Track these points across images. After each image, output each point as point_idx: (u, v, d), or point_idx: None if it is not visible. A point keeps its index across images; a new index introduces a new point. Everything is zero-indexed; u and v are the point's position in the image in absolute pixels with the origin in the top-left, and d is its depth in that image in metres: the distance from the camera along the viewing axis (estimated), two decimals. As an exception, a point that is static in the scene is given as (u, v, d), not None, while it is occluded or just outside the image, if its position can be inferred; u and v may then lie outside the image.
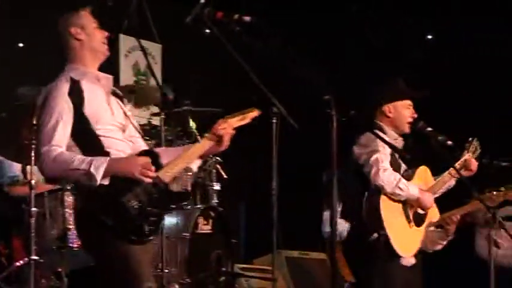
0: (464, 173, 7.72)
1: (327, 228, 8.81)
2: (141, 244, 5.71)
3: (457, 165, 7.70)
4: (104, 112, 5.85)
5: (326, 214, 9.02)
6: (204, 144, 6.13)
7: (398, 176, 7.40)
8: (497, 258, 8.66)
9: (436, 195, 7.81)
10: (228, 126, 6.15)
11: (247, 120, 6.26)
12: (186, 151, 6.09)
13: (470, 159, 7.82)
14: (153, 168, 5.72)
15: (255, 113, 6.32)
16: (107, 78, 5.96)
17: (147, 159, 5.73)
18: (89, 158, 5.59)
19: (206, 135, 6.11)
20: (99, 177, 5.56)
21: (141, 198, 5.66)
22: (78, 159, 5.60)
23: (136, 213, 5.65)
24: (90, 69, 5.92)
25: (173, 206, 6.02)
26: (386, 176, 7.36)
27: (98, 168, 5.58)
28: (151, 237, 5.78)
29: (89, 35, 5.95)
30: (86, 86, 5.78)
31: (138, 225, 5.69)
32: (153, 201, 5.69)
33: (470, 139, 7.92)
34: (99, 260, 5.80)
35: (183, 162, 6.01)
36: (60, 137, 5.64)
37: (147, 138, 7.81)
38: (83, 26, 5.93)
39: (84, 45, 5.93)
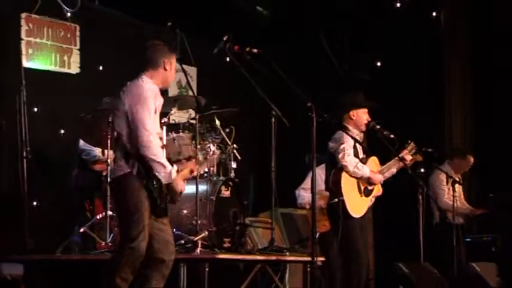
0: (401, 163, 7.82)
1: (299, 200, 8.96)
2: (158, 216, 5.91)
3: (398, 156, 7.78)
4: (158, 120, 5.92)
5: (297, 193, 9.12)
6: (188, 173, 6.36)
7: (357, 160, 7.52)
8: None
9: (384, 179, 7.89)
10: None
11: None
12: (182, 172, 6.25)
13: (406, 154, 7.88)
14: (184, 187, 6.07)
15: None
16: (161, 97, 6.03)
17: (183, 185, 6.05)
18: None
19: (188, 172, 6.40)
20: (171, 179, 5.78)
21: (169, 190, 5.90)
22: (162, 156, 5.82)
23: (166, 196, 5.90)
24: (158, 87, 6.00)
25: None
26: (349, 159, 7.49)
27: (174, 174, 5.84)
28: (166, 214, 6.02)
29: (171, 70, 6.07)
30: (157, 103, 5.87)
31: (165, 206, 5.91)
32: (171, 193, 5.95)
33: (409, 141, 7.98)
34: (123, 203, 5.89)
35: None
36: (154, 127, 5.83)
37: (187, 131, 7.81)
38: (171, 63, 6.04)
39: (164, 74, 6.03)
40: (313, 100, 5.98)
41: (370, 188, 7.76)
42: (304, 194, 9.09)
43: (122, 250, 5.79)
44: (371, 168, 7.78)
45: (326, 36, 11.56)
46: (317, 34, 11.49)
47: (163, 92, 9.39)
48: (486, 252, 8.73)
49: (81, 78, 9.31)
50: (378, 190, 7.86)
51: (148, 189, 5.73)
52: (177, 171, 5.99)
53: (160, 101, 6.01)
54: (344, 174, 7.57)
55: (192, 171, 6.48)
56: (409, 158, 7.91)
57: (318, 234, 7.05)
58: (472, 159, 10.24)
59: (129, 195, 5.77)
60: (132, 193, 5.76)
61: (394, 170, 7.97)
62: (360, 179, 7.66)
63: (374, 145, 8.06)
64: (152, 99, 5.82)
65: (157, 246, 5.87)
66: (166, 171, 5.74)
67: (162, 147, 6.03)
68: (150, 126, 5.73)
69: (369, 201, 7.78)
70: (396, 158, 7.82)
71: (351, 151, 7.58)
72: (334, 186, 7.57)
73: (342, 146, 7.54)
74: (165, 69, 6.01)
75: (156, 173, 5.73)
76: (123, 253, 5.74)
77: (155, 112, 5.84)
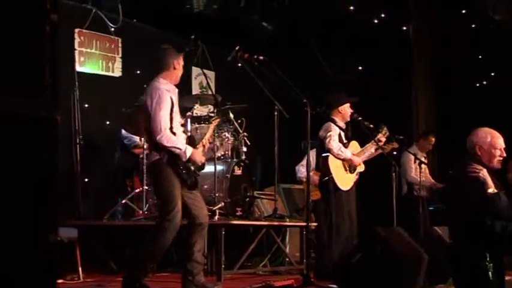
0: (377, 144, 7.79)
1: (299, 174, 8.92)
2: (190, 189, 5.81)
3: (374, 140, 7.74)
4: (177, 114, 5.86)
5: (297, 168, 9.11)
6: (204, 143, 6.30)
7: (340, 144, 7.48)
8: None
9: (364, 158, 7.84)
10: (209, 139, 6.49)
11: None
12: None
13: (381, 137, 7.82)
14: (203, 158, 5.92)
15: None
16: (176, 91, 5.93)
17: (201, 155, 5.93)
18: (185, 144, 5.73)
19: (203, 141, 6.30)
20: (187, 155, 5.67)
21: (194, 167, 5.79)
22: (180, 141, 5.70)
23: (194, 172, 5.80)
24: (172, 85, 5.89)
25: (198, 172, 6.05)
26: (334, 144, 7.44)
27: (188, 152, 5.70)
28: (197, 186, 5.93)
29: (179, 69, 5.92)
30: (173, 98, 5.77)
31: (195, 180, 5.81)
32: (195, 169, 5.85)
33: (382, 125, 7.91)
34: (159, 184, 5.83)
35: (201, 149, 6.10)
36: (168, 121, 5.65)
37: (207, 122, 7.77)
38: (179, 62, 5.89)
39: (174, 72, 5.87)
40: (308, 97, 5.94)
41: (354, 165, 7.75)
42: (302, 169, 9.09)
43: (161, 223, 5.73)
44: (352, 149, 7.75)
45: (319, 46, 11.57)
46: (311, 44, 11.50)
47: (188, 92, 9.50)
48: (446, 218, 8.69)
49: (123, 80, 9.31)
50: (361, 167, 7.83)
51: (177, 172, 5.69)
52: (196, 148, 5.95)
53: (176, 94, 5.92)
54: (331, 157, 7.53)
55: (205, 143, 6.44)
56: (383, 139, 7.86)
57: (311, 201, 7.08)
58: (433, 139, 10.20)
59: (162, 178, 5.73)
60: (164, 176, 5.71)
61: (372, 151, 7.92)
62: (343, 160, 7.62)
63: (356, 132, 8.01)
64: (168, 99, 5.73)
65: (194, 213, 5.82)
66: (182, 151, 5.66)
67: (184, 132, 6.04)
68: (164, 120, 5.64)
69: (354, 176, 7.74)
70: (373, 141, 7.79)
71: (336, 137, 7.54)
72: (323, 167, 7.54)
73: (329, 133, 7.50)
74: (175, 69, 5.88)
75: (177, 154, 5.70)
76: (163, 225, 5.69)
77: (173, 106, 5.77)
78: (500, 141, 5.09)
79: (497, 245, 4.85)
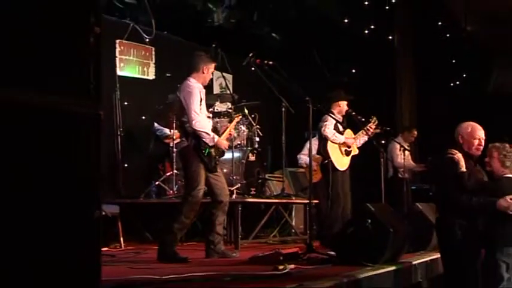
0: (367, 132, 7.76)
1: (300, 161, 8.93)
2: (210, 172, 5.77)
3: (365, 128, 7.72)
4: (204, 108, 5.84)
5: (298, 156, 9.09)
6: (229, 133, 6.37)
7: (334, 131, 7.52)
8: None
9: (354, 142, 7.81)
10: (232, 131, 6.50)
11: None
12: (223, 134, 6.19)
13: (371, 126, 7.79)
14: (226, 145, 5.93)
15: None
16: (204, 90, 5.91)
17: (226, 141, 5.96)
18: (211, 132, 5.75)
19: (228, 133, 6.34)
20: (214, 142, 5.67)
21: (217, 153, 5.76)
22: (209, 128, 5.74)
23: (214, 158, 5.75)
24: (200, 84, 5.86)
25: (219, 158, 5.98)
26: (328, 131, 7.43)
27: (216, 139, 5.70)
28: (217, 170, 5.84)
29: (208, 74, 5.87)
30: (201, 94, 5.77)
31: (214, 164, 5.77)
32: (216, 155, 5.80)
33: (372, 117, 7.87)
34: (186, 167, 5.81)
35: (224, 138, 6.06)
36: (199, 111, 5.66)
37: (225, 117, 7.75)
38: (209, 68, 5.83)
39: (203, 76, 5.83)
40: (310, 96, 5.92)
41: (349, 149, 7.72)
42: (303, 157, 9.06)
43: (186, 197, 5.76)
44: (347, 136, 7.75)
45: (319, 52, 11.55)
46: (312, 52, 11.47)
47: (210, 91, 9.49)
48: (426, 196, 8.65)
49: (156, 82, 9.30)
50: (354, 151, 7.81)
51: (200, 157, 5.69)
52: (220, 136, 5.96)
53: (204, 93, 5.89)
54: (329, 143, 7.52)
55: (230, 133, 6.49)
56: (373, 127, 7.84)
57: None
58: (415, 132, 10.14)
59: (189, 161, 5.74)
60: (190, 160, 5.72)
61: (365, 138, 7.90)
62: (339, 143, 7.60)
63: (350, 124, 7.98)
64: (198, 93, 5.74)
65: (216, 191, 5.82)
66: (210, 137, 5.69)
67: (209, 121, 6.06)
68: (197, 111, 5.66)
69: (349, 159, 7.73)
70: (363, 130, 7.77)
71: (331, 126, 7.52)
72: (324, 152, 7.52)
73: (324, 123, 7.50)
74: (203, 73, 5.84)
75: (204, 139, 5.68)
76: (187, 199, 5.72)
77: (201, 101, 5.77)
78: (479, 133, 5.09)
79: (465, 213, 4.89)
